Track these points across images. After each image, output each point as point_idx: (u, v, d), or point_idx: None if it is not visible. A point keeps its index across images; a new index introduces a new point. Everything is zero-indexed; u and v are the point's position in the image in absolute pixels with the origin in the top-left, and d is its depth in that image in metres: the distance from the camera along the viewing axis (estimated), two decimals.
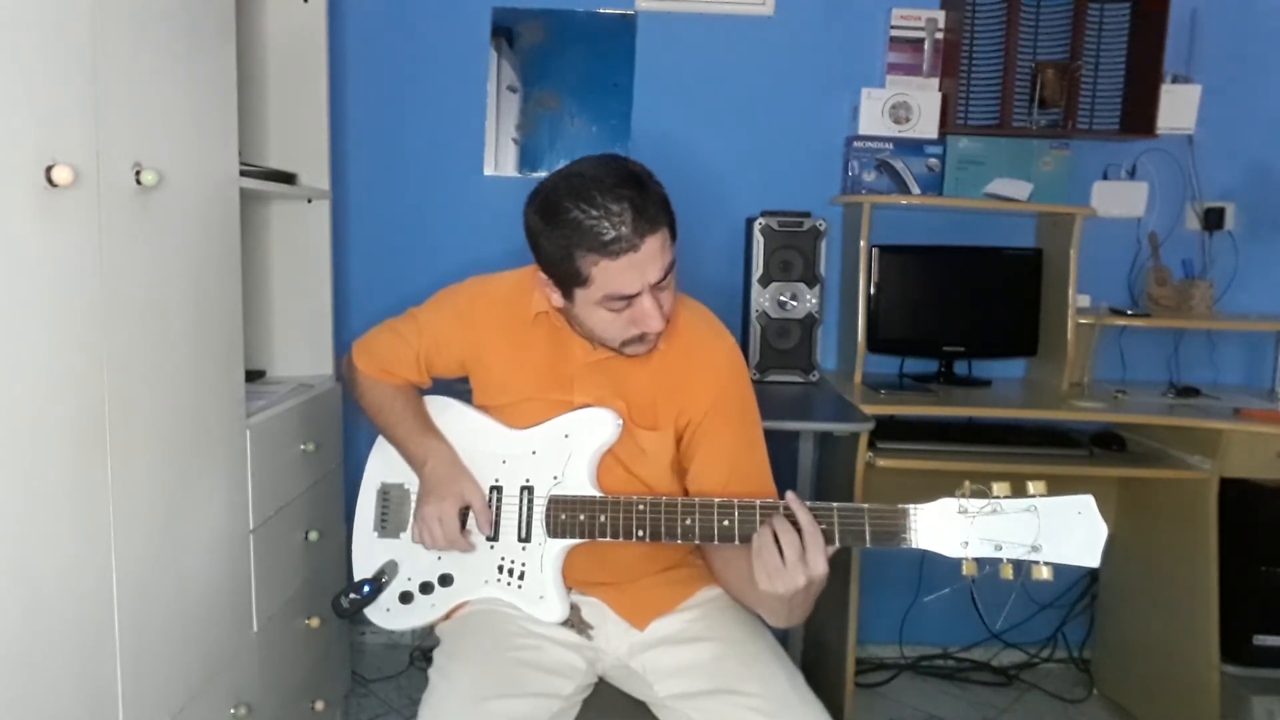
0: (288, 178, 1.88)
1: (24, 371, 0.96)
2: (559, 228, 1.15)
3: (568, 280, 1.19)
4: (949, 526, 1.11)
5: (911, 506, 1.13)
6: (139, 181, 1.15)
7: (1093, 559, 1.08)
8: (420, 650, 2.53)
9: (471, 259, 2.43)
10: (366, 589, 1.38)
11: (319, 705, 1.90)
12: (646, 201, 1.14)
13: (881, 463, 2.04)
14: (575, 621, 1.36)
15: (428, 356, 1.46)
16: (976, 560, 1.11)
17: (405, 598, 1.40)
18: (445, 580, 1.37)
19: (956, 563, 1.12)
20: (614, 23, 2.42)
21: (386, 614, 1.41)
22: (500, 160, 2.46)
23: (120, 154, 1.12)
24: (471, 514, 1.33)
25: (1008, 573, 1.10)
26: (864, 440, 2.02)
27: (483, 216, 2.46)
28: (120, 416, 1.13)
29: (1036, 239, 2.48)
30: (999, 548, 1.10)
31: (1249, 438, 2.01)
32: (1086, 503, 1.09)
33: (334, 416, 2.02)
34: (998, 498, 1.11)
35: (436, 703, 1.22)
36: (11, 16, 0.92)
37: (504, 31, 2.42)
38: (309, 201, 2.01)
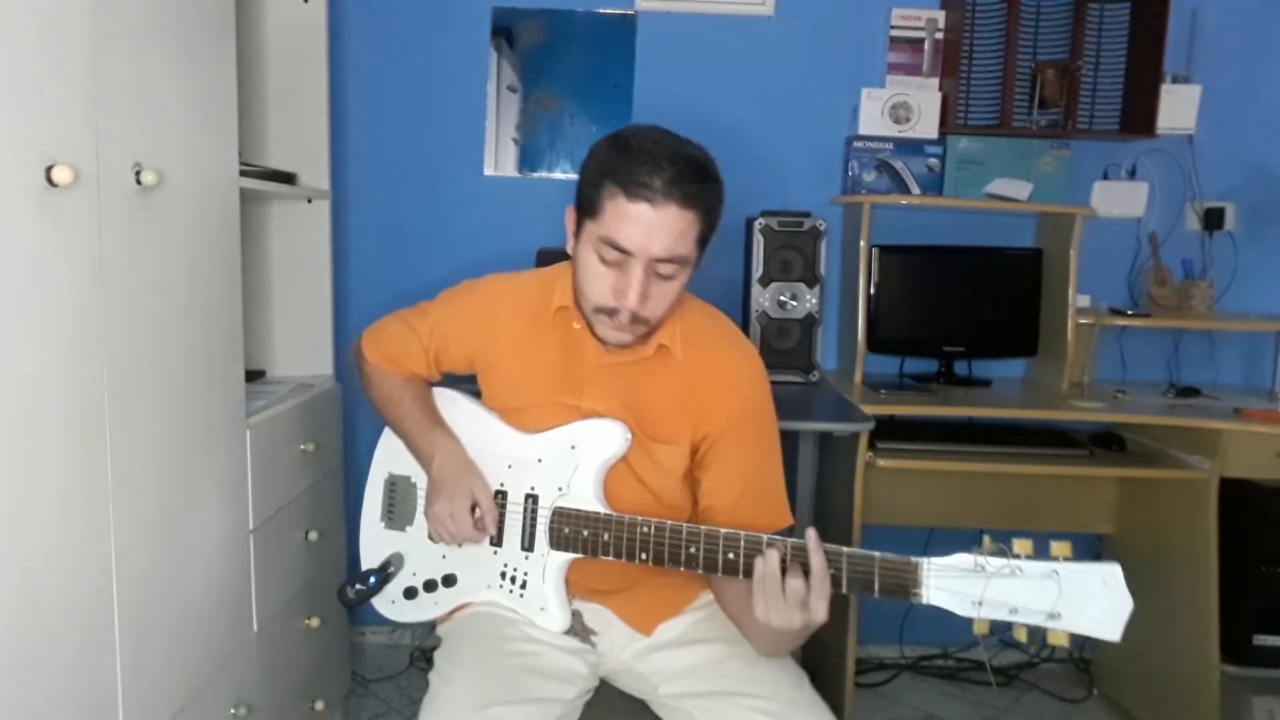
0: (288, 178, 1.88)
1: (24, 371, 0.95)
2: (611, 152, 1.16)
3: (586, 207, 1.18)
4: (963, 584, 1.05)
5: (925, 560, 1.07)
6: (139, 181, 1.15)
7: (1114, 633, 1.00)
8: (420, 650, 2.52)
9: (471, 259, 2.43)
10: (373, 579, 1.37)
11: (319, 705, 1.90)
12: (692, 182, 1.13)
13: (881, 463, 2.04)
14: (578, 629, 1.35)
15: (437, 352, 1.43)
16: (990, 621, 1.05)
17: (409, 593, 1.40)
18: (449, 580, 1.37)
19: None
20: (614, 23, 2.42)
21: (391, 605, 1.41)
22: (500, 160, 2.46)
23: (120, 154, 1.12)
24: (476, 510, 1.32)
25: (1021, 635, 1.05)
26: (864, 440, 2.02)
27: (483, 216, 2.46)
28: (120, 416, 1.13)
29: (1036, 239, 2.47)
30: (1014, 611, 1.03)
31: (1249, 438, 2.01)
32: (1113, 572, 1.01)
33: (334, 416, 2.02)
34: (1018, 557, 1.04)
35: (437, 709, 1.20)
36: (11, 16, 0.92)
37: (504, 31, 2.42)
38: (309, 201, 2.01)
